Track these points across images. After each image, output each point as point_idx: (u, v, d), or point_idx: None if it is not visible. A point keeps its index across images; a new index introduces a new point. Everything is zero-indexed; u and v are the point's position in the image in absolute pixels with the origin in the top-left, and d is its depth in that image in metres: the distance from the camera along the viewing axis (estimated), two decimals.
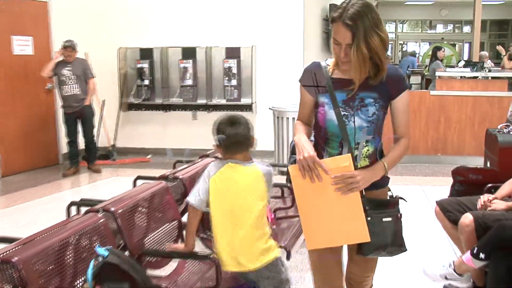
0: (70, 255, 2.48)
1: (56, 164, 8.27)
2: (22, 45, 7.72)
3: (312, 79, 2.46)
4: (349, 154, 2.32)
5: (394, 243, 2.39)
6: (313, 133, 2.53)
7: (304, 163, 2.28)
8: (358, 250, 2.41)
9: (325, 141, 2.43)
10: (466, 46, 21.26)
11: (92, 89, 7.65)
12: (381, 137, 2.45)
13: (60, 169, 7.94)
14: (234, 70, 8.19)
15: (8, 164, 7.53)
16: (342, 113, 2.35)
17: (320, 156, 2.38)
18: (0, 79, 7.41)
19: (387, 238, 2.37)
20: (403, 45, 23.99)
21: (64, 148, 8.18)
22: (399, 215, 2.43)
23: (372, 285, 2.68)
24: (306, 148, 2.30)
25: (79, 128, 7.67)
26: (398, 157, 2.46)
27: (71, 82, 7.39)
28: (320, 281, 2.57)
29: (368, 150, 2.39)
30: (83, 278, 2.39)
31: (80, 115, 7.55)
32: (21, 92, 7.72)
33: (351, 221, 2.33)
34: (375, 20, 2.24)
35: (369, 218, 2.32)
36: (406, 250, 2.44)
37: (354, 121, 2.35)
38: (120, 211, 2.84)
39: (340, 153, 2.36)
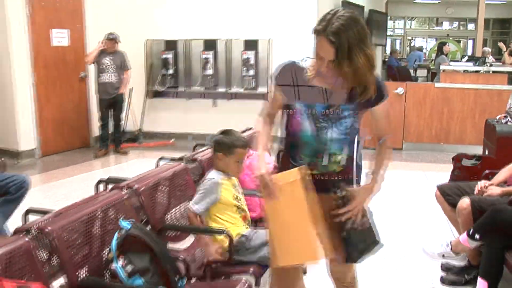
0: (97, 227, 2.50)
1: (88, 146, 8.33)
2: (59, 37, 7.76)
3: (291, 81, 2.18)
4: (297, 169, 2.13)
5: (373, 241, 2.27)
6: (282, 135, 2.28)
7: (260, 181, 2.13)
8: (348, 259, 2.26)
9: (297, 146, 2.21)
10: (470, 42, 20.96)
11: (127, 79, 7.72)
12: (354, 143, 2.22)
13: (91, 150, 8.01)
14: (252, 61, 8.15)
15: (46, 145, 7.63)
16: (320, 124, 2.13)
17: (287, 160, 2.25)
18: (40, 69, 7.48)
19: (370, 239, 2.26)
20: (411, 41, 23.72)
21: (95, 131, 8.25)
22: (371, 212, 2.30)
23: (355, 273, 2.57)
24: (261, 165, 2.14)
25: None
26: (388, 161, 2.27)
27: (110, 71, 7.48)
28: (275, 280, 2.41)
29: (341, 157, 2.19)
30: (108, 248, 2.41)
31: (113, 101, 7.63)
32: (57, 80, 7.78)
33: (303, 239, 2.15)
34: (361, 35, 1.96)
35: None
36: (382, 244, 2.29)
37: (330, 133, 2.14)
38: (142, 188, 2.86)
39: (313, 161, 2.18)
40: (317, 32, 2.00)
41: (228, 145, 2.93)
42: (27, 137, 7.36)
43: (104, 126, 7.68)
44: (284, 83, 2.20)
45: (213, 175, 2.95)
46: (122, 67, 7.60)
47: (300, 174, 2.12)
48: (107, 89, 7.52)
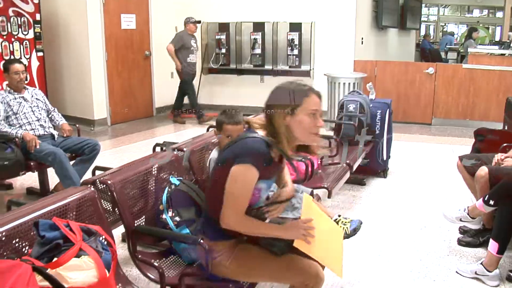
0: (152, 182, 2.53)
1: (151, 116, 8.47)
2: (128, 21, 7.86)
3: (268, 166, 1.94)
4: (305, 196, 2.16)
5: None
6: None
7: (306, 234, 1.93)
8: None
9: None
10: (498, 29, 19.95)
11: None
12: None
13: (153, 120, 8.15)
14: (296, 42, 8.04)
15: (115, 115, 7.81)
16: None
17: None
18: (111, 49, 7.61)
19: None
20: (444, 26, 22.81)
21: (157, 103, 8.41)
22: None
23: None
24: (304, 221, 1.97)
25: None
26: None
27: (195, 52, 7.70)
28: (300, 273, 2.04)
29: None
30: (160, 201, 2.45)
31: (193, 77, 7.87)
32: (126, 58, 7.90)
33: (334, 250, 2.14)
34: None
35: None
36: None
37: None
38: (191, 150, 2.88)
39: None
40: (307, 93, 1.98)
41: (218, 122, 2.90)
42: (100, 108, 7.55)
43: (182, 96, 7.88)
44: (262, 168, 1.91)
45: (212, 154, 2.94)
46: (198, 48, 7.83)
47: (309, 198, 2.17)
48: (193, 68, 7.76)
